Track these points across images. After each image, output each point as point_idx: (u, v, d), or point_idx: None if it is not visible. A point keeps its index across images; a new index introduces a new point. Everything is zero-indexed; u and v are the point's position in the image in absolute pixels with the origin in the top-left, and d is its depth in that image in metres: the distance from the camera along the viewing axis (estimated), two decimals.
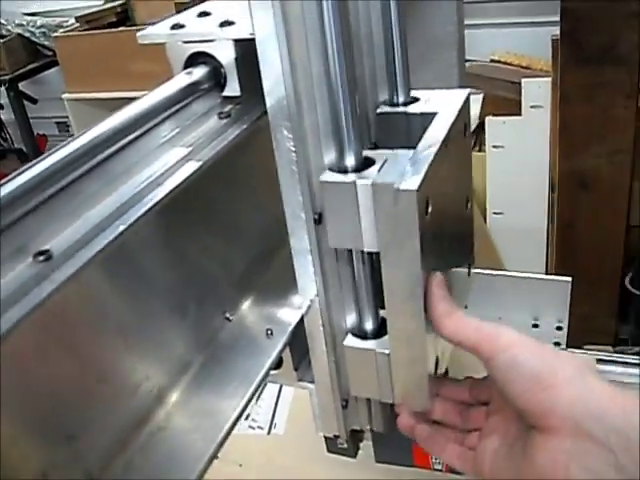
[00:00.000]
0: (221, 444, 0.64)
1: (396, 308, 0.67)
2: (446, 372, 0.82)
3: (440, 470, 0.94)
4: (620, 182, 2.43)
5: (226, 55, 0.61)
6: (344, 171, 0.65)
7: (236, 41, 0.61)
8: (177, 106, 0.59)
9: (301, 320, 0.72)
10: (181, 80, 0.60)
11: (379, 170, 0.64)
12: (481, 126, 2.82)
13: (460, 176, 0.78)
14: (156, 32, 0.62)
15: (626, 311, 2.69)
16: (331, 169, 0.65)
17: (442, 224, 0.70)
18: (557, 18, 2.27)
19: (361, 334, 0.75)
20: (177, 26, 0.62)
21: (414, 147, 0.66)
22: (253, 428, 1.26)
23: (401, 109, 0.79)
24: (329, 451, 0.92)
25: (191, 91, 0.60)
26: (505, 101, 2.77)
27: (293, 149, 0.60)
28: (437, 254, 0.70)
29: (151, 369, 0.64)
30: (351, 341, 0.75)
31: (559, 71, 2.36)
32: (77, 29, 3.39)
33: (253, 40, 0.57)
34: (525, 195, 2.73)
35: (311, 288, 0.69)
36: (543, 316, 1.34)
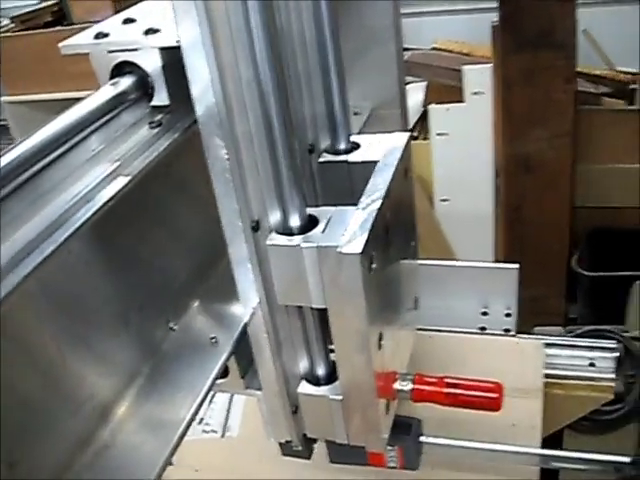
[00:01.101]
0: (170, 457, 0.63)
1: (346, 359, 0.70)
2: None
3: (394, 468, 0.94)
4: (562, 165, 2.46)
5: (152, 64, 0.60)
6: (289, 233, 0.67)
7: (162, 49, 0.59)
8: (104, 118, 0.57)
9: (245, 328, 0.71)
10: (107, 91, 0.58)
11: (323, 230, 0.66)
12: (425, 114, 2.83)
13: (403, 217, 0.80)
14: (79, 42, 0.61)
15: (574, 291, 2.73)
16: (277, 231, 0.67)
17: (387, 271, 0.72)
18: (496, 4, 2.29)
19: (314, 380, 0.78)
20: (101, 35, 0.60)
21: (357, 198, 0.67)
22: (207, 432, 1.25)
23: (343, 157, 0.80)
24: (284, 454, 0.91)
25: (118, 102, 0.59)
26: (448, 88, 2.78)
27: (226, 156, 0.59)
28: (384, 300, 0.72)
29: (95, 386, 0.62)
30: (305, 388, 0.78)
31: (499, 57, 2.38)
32: (12, 29, 3.30)
33: (179, 48, 0.56)
34: (471, 181, 2.75)
35: (253, 296, 0.68)
36: (492, 304, 1.35)
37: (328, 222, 0.67)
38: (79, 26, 3.08)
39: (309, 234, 0.66)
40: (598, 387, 1.26)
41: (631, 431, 2.16)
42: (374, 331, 0.67)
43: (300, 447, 0.87)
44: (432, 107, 2.73)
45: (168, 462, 0.64)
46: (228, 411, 1.27)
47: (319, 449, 0.93)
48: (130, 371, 0.68)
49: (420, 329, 1.13)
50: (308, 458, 0.92)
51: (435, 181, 2.82)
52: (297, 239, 0.65)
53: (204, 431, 1.25)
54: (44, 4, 3.30)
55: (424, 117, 2.85)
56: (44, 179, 0.51)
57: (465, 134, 2.70)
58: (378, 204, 0.66)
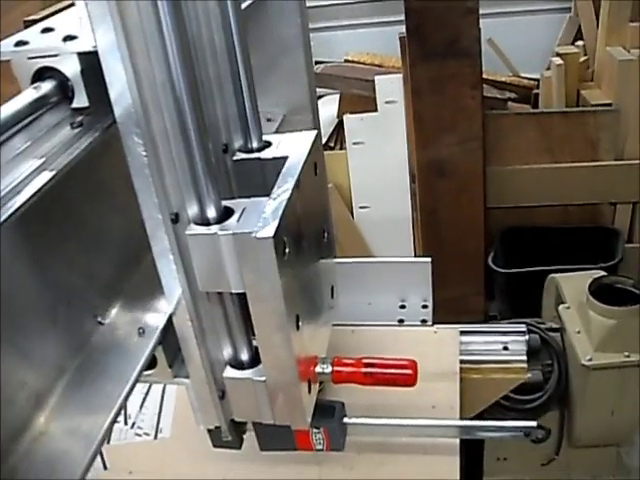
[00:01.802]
0: (101, 443, 0.66)
1: (266, 340, 0.75)
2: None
3: (321, 450, 0.98)
4: (474, 168, 2.57)
5: (71, 68, 0.64)
6: (207, 223, 0.71)
7: (80, 54, 0.63)
8: (27, 120, 0.61)
9: (170, 318, 0.75)
10: (29, 94, 0.62)
11: (238, 220, 0.71)
12: (340, 124, 2.91)
13: (315, 210, 0.86)
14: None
15: (492, 289, 2.84)
16: (195, 222, 0.72)
17: (301, 257, 0.77)
18: (403, 17, 2.38)
19: (238, 365, 0.82)
20: (21, 43, 0.64)
21: (269, 193, 0.72)
22: (140, 435, 1.27)
23: (255, 155, 0.86)
24: (215, 446, 0.95)
25: (40, 104, 0.62)
26: (361, 99, 2.87)
27: (144, 154, 0.64)
28: (299, 285, 0.78)
29: (27, 376, 0.66)
30: (229, 372, 0.82)
31: (408, 67, 2.47)
32: None
33: (96, 52, 0.60)
34: (388, 187, 2.85)
35: (176, 286, 0.72)
36: (409, 297, 1.42)
37: (242, 212, 0.72)
38: None
39: (225, 223, 0.70)
40: (512, 369, 1.34)
41: (551, 419, 2.27)
42: (291, 312, 0.72)
43: (229, 436, 0.91)
44: (347, 117, 2.82)
45: (101, 445, 0.67)
46: (159, 414, 1.30)
47: (250, 443, 0.97)
48: (61, 363, 0.71)
49: (341, 324, 1.19)
50: (239, 448, 0.96)
51: (353, 189, 2.91)
52: (214, 228, 0.70)
53: (137, 434, 1.28)
54: None
55: (340, 127, 2.93)
56: None
57: (380, 142, 2.79)
58: (288, 194, 0.72)
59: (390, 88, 2.74)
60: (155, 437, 1.27)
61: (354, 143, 2.82)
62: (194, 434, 1.17)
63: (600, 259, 2.57)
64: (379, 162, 2.81)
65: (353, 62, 3.06)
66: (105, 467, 1.18)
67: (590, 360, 2.01)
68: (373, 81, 2.79)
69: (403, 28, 2.45)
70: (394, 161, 2.80)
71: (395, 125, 2.75)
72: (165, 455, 1.24)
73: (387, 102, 2.76)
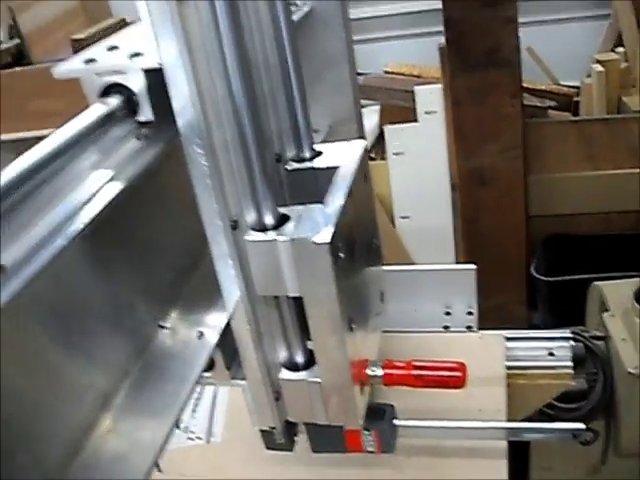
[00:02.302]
0: (165, 441, 0.69)
1: (322, 342, 0.78)
2: None
3: (372, 452, 1.01)
4: (515, 176, 2.57)
5: (137, 84, 0.68)
6: (264, 229, 0.75)
7: (146, 71, 0.67)
8: (97, 132, 0.64)
9: (228, 321, 0.78)
10: (98, 109, 0.65)
11: (295, 226, 0.74)
12: (381, 135, 2.93)
13: (365, 217, 0.89)
14: (70, 67, 0.68)
15: (534, 298, 2.83)
16: (253, 228, 0.75)
17: (353, 262, 0.80)
18: (442, 28, 2.40)
19: (293, 367, 0.85)
20: (90, 60, 0.68)
21: (322, 200, 0.76)
22: (192, 439, 1.31)
23: (307, 164, 0.89)
24: (267, 448, 0.98)
25: (108, 119, 0.66)
26: (401, 109, 2.89)
27: (205, 163, 0.67)
28: (352, 289, 0.81)
29: (94, 376, 0.69)
30: (285, 374, 0.85)
31: (448, 77, 2.49)
32: None
33: (161, 69, 0.64)
34: (429, 197, 2.86)
35: (234, 290, 0.76)
36: (454, 303, 1.44)
37: (299, 219, 0.75)
38: (39, 66, 3.15)
39: (282, 229, 0.74)
40: (558, 375, 1.34)
41: (597, 427, 2.25)
42: (345, 315, 0.75)
43: (282, 438, 0.94)
44: (387, 128, 2.84)
45: (165, 444, 0.70)
46: (211, 418, 1.33)
47: (302, 447, 1.00)
48: (125, 365, 0.75)
49: (388, 331, 1.22)
50: (290, 450, 0.98)
51: (394, 199, 2.92)
52: (272, 234, 0.73)
53: (189, 438, 1.31)
54: (4, 46, 3.37)
55: (380, 138, 2.96)
56: (51, 185, 0.59)
57: (420, 152, 2.81)
58: (342, 201, 0.75)
59: (430, 98, 2.76)
60: (207, 441, 1.30)
61: (395, 153, 2.84)
62: (246, 438, 1.21)
63: None
64: (420, 172, 2.83)
65: (393, 73, 3.09)
66: (159, 470, 1.21)
67: (636, 368, 1.99)
68: (413, 92, 2.81)
69: (441, 39, 2.47)
70: (434, 171, 2.81)
71: (435, 135, 2.76)
72: (217, 459, 1.27)
73: (427, 112, 2.78)
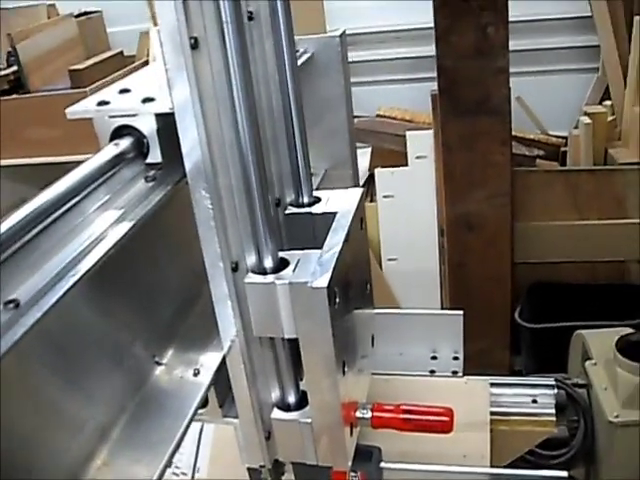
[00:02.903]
0: (162, 474, 0.71)
1: (315, 383, 0.80)
2: None
3: None
4: (502, 223, 2.61)
5: (148, 127, 0.70)
6: (264, 272, 0.77)
7: (157, 115, 0.69)
8: (108, 174, 0.67)
9: (224, 360, 0.80)
10: (110, 151, 0.68)
11: (293, 270, 0.77)
12: (371, 178, 2.97)
13: (360, 263, 0.92)
14: (84, 108, 0.70)
15: (518, 343, 2.85)
16: (253, 271, 0.77)
17: (348, 307, 0.82)
18: (434, 74, 2.45)
19: (285, 407, 0.87)
20: (103, 103, 0.70)
21: (320, 246, 0.78)
22: (177, 475, 1.31)
23: (306, 209, 0.92)
24: None
25: (119, 160, 0.69)
26: (392, 153, 2.93)
27: (210, 206, 0.69)
28: (346, 332, 0.82)
29: (94, 410, 0.70)
30: (277, 414, 0.87)
31: (439, 123, 2.53)
32: None
33: (172, 114, 0.66)
34: (416, 240, 2.89)
35: (231, 330, 0.77)
36: (440, 348, 1.46)
37: (297, 263, 0.77)
38: (35, 94, 3.18)
39: (281, 273, 0.76)
40: (541, 422, 1.36)
41: (577, 475, 2.27)
42: (339, 357, 0.77)
43: (269, 477, 0.95)
44: (378, 171, 2.88)
45: (162, 476, 0.71)
46: (197, 453, 1.34)
47: None
48: (123, 399, 0.76)
49: (375, 374, 1.23)
50: None
51: (382, 241, 2.95)
52: (271, 277, 0.75)
53: (174, 474, 1.31)
54: (1, 73, 3.39)
55: (370, 180, 2.99)
56: (64, 223, 0.61)
57: (410, 196, 2.85)
58: (339, 247, 0.77)
59: (421, 143, 2.81)
60: (192, 477, 1.31)
61: (384, 196, 2.88)
62: (230, 474, 1.21)
63: (627, 317, 2.58)
64: (408, 215, 2.86)
65: (385, 117, 3.14)
66: None
67: (617, 417, 2.02)
68: (404, 136, 2.85)
69: (434, 85, 2.52)
70: (423, 215, 2.85)
71: (425, 179, 2.81)
72: None
73: (418, 157, 2.82)
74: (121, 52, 3.55)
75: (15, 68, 3.33)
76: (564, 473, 1.02)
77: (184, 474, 1.31)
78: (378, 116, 3.17)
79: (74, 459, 0.68)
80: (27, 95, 3.20)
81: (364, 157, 3.05)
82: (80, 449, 0.69)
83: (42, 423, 0.64)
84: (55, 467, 0.66)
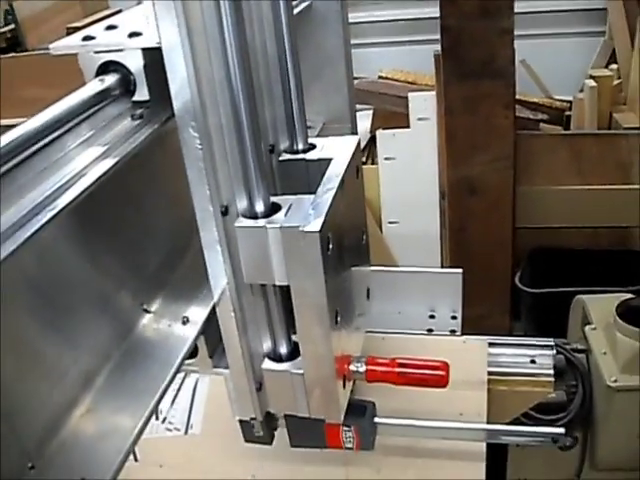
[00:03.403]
0: (148, 419, 0.69)
1: (307, 333, 0.78)
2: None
3: (351, 448, 1.00)
4: (504, 187, 2.58)
5: (135, 63, 0.67)
6: (255, 217, 0.74)
7: (144, 50, 0.67)
8: (92, 110, 0.64)
9: (214, 308, 0.78)
10: (94, 86, 0.65)
11: (285, 214, 0.74)
12: (372, 140, 2.94)
13: (355, 213, 0.89)
14: (68, 44, 0.68)
15: (518, 308, 2.84)
16: (244, 215, 0.75)
17: (342, 256, 0.80)
18: (438, 36, 2.41)
19: (277, 357, 0.85)
20: (88, 38, 0.68)
21: (314, 191, 0.76)
22: (170, 430, 1.30)
23: (301, 156, 0.89)
24: (246, 440, 0.97)
25: (104, 96, 0.66)
26: (394, 115, 2.90)
27: (199, 147, 0.67)
28: (339, 282, 0.80)
29: (78, 356, 0.69)
30: (268, 364, 0.85)
31: (442, 85, 2.49)
32: None
33: (159, 49, 0.63)
34: (418, 203, 2.86)
35: (222, 277, 0.75)
36: (438, 307, 1.44)
37: (289, 208, 0.75)
38: (33, 53, 3.14)
39: (273, 217, 0.73)
40: (539, 382, 1.35)
41: (578, 441, 2.26)
42: (332, 306, 0.75)
43: (261, 431, 0.94)
44: (379, 132, 2.84)
45: (146, 424, 0.70)
46: (190, 410, 1.33)
47: (279, 443, 0.99)
48: (109, 346, 0.74)
49: (371, 331, 1.22)
50: (269, 443, 0.98)
51: (383, 204, 2.93)
52: (262, 221, 0.73)
53: (167, 429, 1.30)
54: None
55: (371, 142, 2.96)
56: (42, 158, 0.58)
57: (411, 158, 2.81)
58: (333, 192, 0.75)
59: (423, 105, 2.77)
60: (185, 432, 1.30)
61: (386, 158, 2.84)
62: (224, 431, 1.20)
63: (628, 283, 2.56)
64: (410, 178, 2.83)
65: (387, 79, 3.10)
66: (136, 459, 1.20)
67: (615, 381, 2.00)
68: (406, 98, 2.82)
69: (437, 46, 2.47)
70: (424, 177, 2.82)
71: (427, 142, 2.77)
72: (195, 451, 1.27)
73: (420, 119, 2.79)
74: (120, 10, 3.50)
75: (12, 26, 3.29)
76: (561, 430, 1.01)
77: (177, 430, 1.31)
78: (380, 78, 3.13)
79: (57, 406, 0.66)
80: (24, 53, 3.17)
81: (366, 119, 3.02)
82: (63, 396, 0.67)
83: (22, 368, 0.62)
84: (37, 413, 0.64)
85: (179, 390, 1.37)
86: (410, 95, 2.79)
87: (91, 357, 0.72)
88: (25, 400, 0.62)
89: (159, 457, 1.25)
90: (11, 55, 3.17)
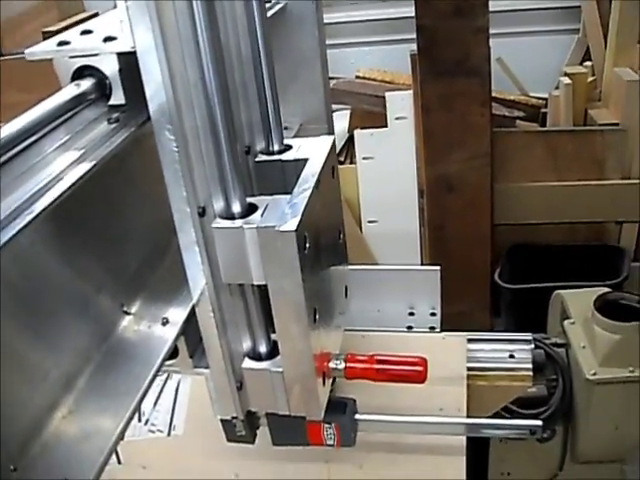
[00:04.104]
0: (129, 419, 0.70)
1: (285, 331, 0.78)
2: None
3: (332, 445, 1.01)
4: (482, 184, 2.60)
5: (110, 67, 0.68)
6: (232, 217, 0.75)
7: (119, 54, 0.67)
8: (68, 114, 0.65)
9: (193, 309, 0.79)
10: (70, 90, 0.66)
11: (262, 215, 0.75)
12: (350, 139, 2.95)
13: (331, 212, 0.90)
14: (43, 49, 0.68)
15: (497, 305, 2.86)
16: (221, 216, 0.75)
17: (319, 255, 0.81)
18: (414, 35, 2.43)
19: (256, 356, 0.86)
20: (63, 43, 0.68)
21: (290, 192, 0.77)
22: (153, 432, 1.30)
23: (276, 157, 0.90)
24: (229, 440, 0.98)
25: (80, 101, 0.67)
26: (371, 114, 2.91)
27: (176, 149, 0.67)
28: (317, 281, 0.81)
29: (59, 358, 0.69)
30: (248, 363, 0.86)
31: (419, 84, 2.51)
32: None
33: (134, 53, 0.64)
34: (396, 202, 2.88)
35: (200, 277, 0.76)
36: (418, 304, 1.46)
37: (266, 208, 0.75)
38: (9, 57, 3.12)
39: (250, 218, 0.74)
40: (518, 377, 1.36)
41: (556, 433, 2.28)
42: (309, 304, 0.76)
43: (243, 430, 0.94)
44: (357, 132, 2.86)
45: (128, 424, 0.70)
46: (173, 411, 1.33)
47: (261, 442, 1.00)
48: (89, 348, 0.75)
49: (351, 329, 1.23)
50: (252, 442, 0.99)
51: (362, 203, 2.94)
52: (239, 222, 0.74)
53: (150, 431, 1.31)
54: None
55: (349, 142, 2.98)
56: (19, 163, 0.59)
57: (389, 157, 2.83)
58: (309, 192, 0.76)
59: (400, 104, 2.79)
60: (168, 434, 1.30)
61: (364, 158, 2.86)
62: (207, 432, 1.21)
63: (605, 277, 2.59)
64: (388, 177, 2.85)
65: (364, 78, 3.11)
66: (119, 462, 1.21)
67: (595, 374, 2.02)
68: (384, 97, 2.83)
69: (413, 46, 2.49)
70: (403, 176, 2.84)
71: (404, 141, 2.79)
72: (178, 452, 1.27)
73: (397, 118, 2.81)
74: (96, 14, 3.49)
75: None
76: (538, 422, 1.03)
77: (160, 431, 1.31)
78: (357, 77, 3.14)
79: (38, 408, 0.67)
80: (0, 58, 3.15)
81: (343, 118, 3.03)
82: (44, 398, 0.68)
83: (3, 371, 0.63)
84: (19, 416, 0.64)
85: (161, 392, 1.37)
86: (387, 94, 2.81)
87: (72, 359, 0.72)
88: (6, 403, 0.62)
89: (142, 459, 1.25)
90: None
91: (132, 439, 1.29)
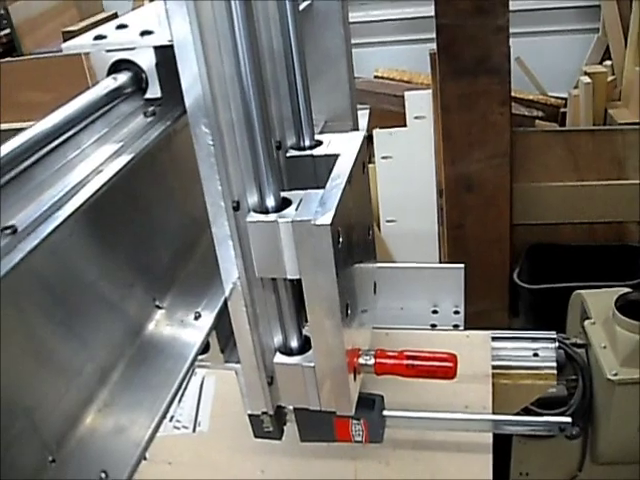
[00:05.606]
0: (163, 416, 0.70)
1: (318, 325, 0.78)
2: None
3: (360, 441, 1.01)
4: (501, 184, 2.59)
5: (147, 61, 0.68)
6: (265, 212, 0.75)
7: (156, 48, 0.67)
8: (105, 108, 0.65)
9: (225, 303, 0.79)
10: (107, 84, 0.66)
11: (296, 209, 0.75)
12: (369, 139, 2.95)
13: (362, 208, 0.90)
14: (80, 43, 0.68)
15: (517, 305, 2.85)
16: (254, 210, 0.76)
17: (351, 251, 0.81)
18: (433, 35, 2.42)
19: (287, 351, 0.86)
20: (99, 37, 0.68)
21: (322, 186, 0.77)
22: (178, 428, 1.31)
23: (308, 152, 0.90)
24: (256, 436, 0.98)
25: (116, 94, 0.67)
26: (391, 114, 2.91)
27: (211, 142, 0.68)
28: (349, 276, 0.81)
29: (93, 353, 0.69)
30: (279, 358, 0.86)
31: (438, 83, 2.51)
32: None
33: (171, 46, 0.64)
34: (415, 201, 2.87)
35: (233, 271, 0.76)
36: (441, 302, 1.46)
37: (300, 202, 0.75)
38: (29, 57, 3.14)
39: (284, 212, 0.74)
40: (542, 375, 1.36)
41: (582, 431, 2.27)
42: (343, 298, 0.76)
43: (271, 426, 0.94)
44: (376, 131, 2.85)
45: (163, 419, 0.71)
46: (197, 408, 1.33)
47: (288, 439, 1.00)
48: (123, 342, 0.75)
49: (376, 328, 1.22)
50: (279, 438, 0.99)
51: (381, 203, 2.94)
52: (273, 216, 0.74)
53: (175, 427, 1.31)
54: None
55: (369, 141, 2.97)
56: (58, 156, 0.59)
57: (408, 157, 2.82)
58: (342, 187, 0.76)
59: (419, 104, 2.78)
60: (193, 430, 1.31)
61: (383, 157, 2.85)
62: (232, 428, 1.22)
63: (626, 277, 2.57)
64: (407, 176, 2.84)
65: (383, 78, 3.11)
66: (145, 458, 1.21)
67: (616, 375, 2.02)
68: (403, 97, 2.83)
69: (432, 45, 2.49)
70: (422, 175, 2.83)
71: (423, 140, 2.78)
72: (204, 448, 1.28)
73: (416, 117, 2.80)
74: (115, 14, 3.51)
75: (8, 30, 3.29)
76: (567, 419, 1.02)
77: (185, 428, 1.31)
78: (376, 77, 3.14)
79: (74, 401, 0.67)
80: (20, 58, 3.17)
81: (362, 118, 3.01)
82: (80, 392, 0.68)
83: (39, 365, 0.63)
84: (56, 409, 0.65)
85: (185, 389, 1.37)
86: (406, 94, 2.80)
87: (106, 353, 0.73)
88: (44, 396, 0.63)
89: (168, 455, 1.25)
90: (7, 60, 3.17)
91: (157, 435, 1.28)
